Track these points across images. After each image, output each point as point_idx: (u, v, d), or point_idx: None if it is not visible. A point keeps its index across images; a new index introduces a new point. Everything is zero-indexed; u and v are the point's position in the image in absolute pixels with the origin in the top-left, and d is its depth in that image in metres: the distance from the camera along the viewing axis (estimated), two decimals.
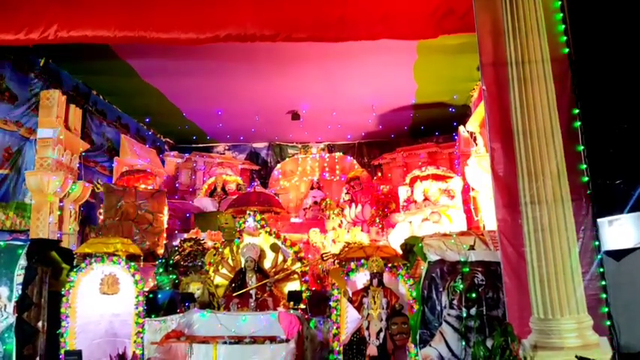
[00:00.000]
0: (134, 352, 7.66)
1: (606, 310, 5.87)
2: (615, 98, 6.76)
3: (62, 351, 7.56)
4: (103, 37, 8.06)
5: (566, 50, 6.38)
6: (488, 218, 9.84)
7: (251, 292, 8.38)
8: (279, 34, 7.72)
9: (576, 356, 4.98)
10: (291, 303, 8.07)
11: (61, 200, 10.23)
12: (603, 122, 7.03)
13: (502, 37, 6.46)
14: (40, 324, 7.59)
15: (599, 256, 6.01)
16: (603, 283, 5.92)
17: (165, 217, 11.86)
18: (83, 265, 8.13)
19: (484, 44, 6.60)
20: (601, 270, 5.96)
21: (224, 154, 16.70)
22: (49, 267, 7.93)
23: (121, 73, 11.32)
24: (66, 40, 7.90)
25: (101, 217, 11.58)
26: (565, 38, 6.41)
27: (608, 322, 5.83)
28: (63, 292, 7.91)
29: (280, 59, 10.65)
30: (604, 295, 5.88)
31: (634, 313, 6.37)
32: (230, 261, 9.13)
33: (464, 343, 6.65)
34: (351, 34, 7.78)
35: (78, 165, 11.02)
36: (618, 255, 7.56)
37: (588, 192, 6.14)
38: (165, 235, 11.82)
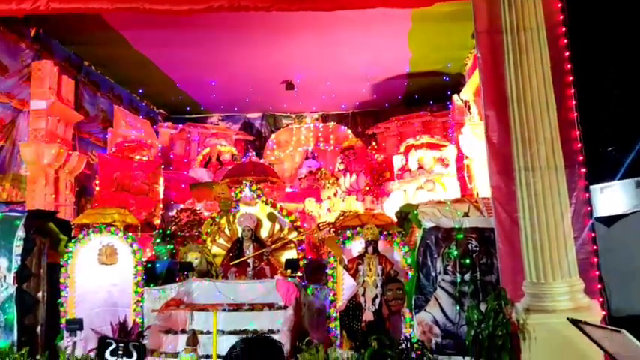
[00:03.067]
0: (134, 319, 7.78)
1: (597, 273, 6.00)
2: (609, 65, 6.79)
3: (63, 320, 7.65)
4: (95, 9, 7.98)
5: (561, 17, 6.38)
6: (482, 186, 9.95)
7: (248, 260, 8.49)
8: (274, 5, 7.64)
9: (568, 318, 5.10)
10: (289, 271, 8.20)
11: (56, 172, 10.24)
12: (597, 89, 7.07)
13: (497, 4, 6.44)
14: (40, 294, 7.66)
15: (590, 222, 6.11)
16: (594, 247, 6.04)
17: (161, 188, 11.90)
18: (81, 235, 8.17)
19: (479, 11, 6.59)
20: (592, 235, 6.07)
21: (218, 124, 16.63)
22: (47, 238, 7.97)
23: (113, 44, 11.19)
24: (58, 10, 7.79)
25: (97, 188, 11.61)
26: (560, 5, 6.40)
27: (599, 285, 5.97)
28: (62, 263, 7.98)
29: (274, 28, 10.56)
30: (595, 259, 6.01)
31: (623, 277, 6.53)
32: (227, 231, 9.23)
33: (458, 307, 6.81)
34: (346, 3, 7.71)
35: (72, 136, 10.99)
36: (609, 221, 7.70)
37: (581, 159, 6.21)
38: (161, 205, 11.88)
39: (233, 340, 6.86)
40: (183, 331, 7.23)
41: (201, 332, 6.98)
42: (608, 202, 9.88)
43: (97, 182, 11.63)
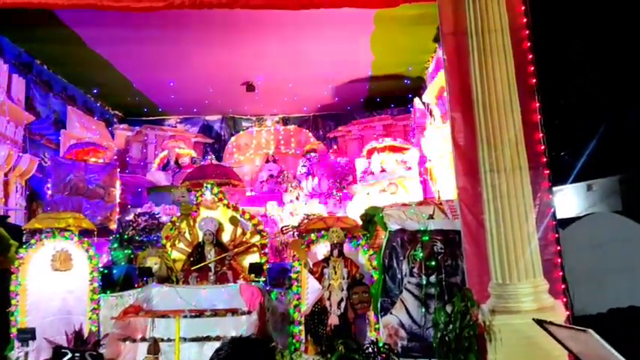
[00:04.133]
0: (90, 328, 7.47)
1: (561, 274, 6.07)
2: (571, 67, 6.93)
3: (14, 329, 7.30)
4: (49, 4, 7.67)
5: (525, 20, 6.46)
6: (444, 188, 10.01)
7: (210, 265, 8.29)
8: (237, 2, 7.49)
9: (533, 319, 5.13)
10: (252, 275, 8.03)
11: (6, 174, 9.79)
12: (553, 94, 7.20)
13: (462, 6, 6.47)
14: None
15: (554, 223, 6.18)
16: (558, 248, 6.11)
17: (117, 192, 11.54)
18: (33, 241, 7.83)
19: (445, 13, 6.61)
20: (556, 236, 6.14)
21: (176, 127, 16.29)
22: None
23: (66, 42, 10.78)
24: (9, 5, 7.44)
25: (49, 191, 11.16)
26: (523, 8, 6.48)
27: (563, 286, 6.04)
28: (12, 270, 7.60)
29: (235, 29, 10.39)
30: (559, 260, 6.08)
31: (576, 279, 6.63)
32: (187, 235, 8.98)
33: (424, 309, 6.78)
34: (310, 2, 7.61)
35: (23, 137, 10.53)
36: (562, 224, 7.85)
37: (544, 160, 6.28)
38: (117, 209, 11.52)
39: (195, 347, 6.72)
40: (143, 339, 6.96)
41: (162, 340, 6.74)
42: (560, 204, 10.11)
43: (49, 186, 11.18)
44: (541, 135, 6.29)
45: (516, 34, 6.38)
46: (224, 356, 2.20)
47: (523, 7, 6.46)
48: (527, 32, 6.42)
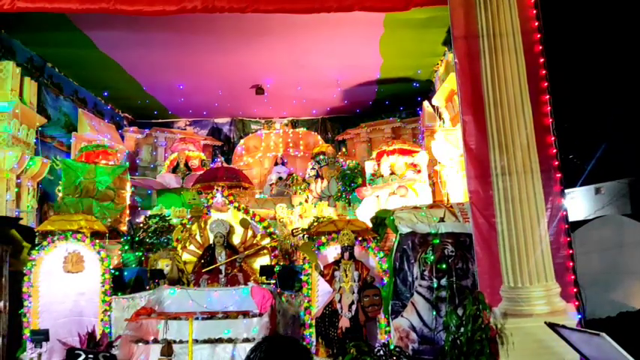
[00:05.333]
0: (102, 330, 7.51)
1: (573, 277, 6.07)
2: (583, 71, 6.91)
3: (26, 331, 7.34)
4: (63, 8, 7.73)
5: (536, 24, 6.47)
6: (454, 191, 10.00)
7: (221, 267, 8.32)
8: (249, 6, 7.52)
9: (545, 322, 5.12)
10: (263, 277, 8.05)
11: (18, 177, 9.86)
12: (568, 95, 7.19)
13: (474, 10, 6.50)
14: (1, 304, 7.33)
15: (566, 226, 6.17)
16: (570, 251, 6.10)
17: (127, 194, 11.58)
18: (45, 243, 7.87)
19: (456, 17, 6.63)
20: (568, 239, 6.13)
21: (185, 129, 16.37)
22: (9, 245, 7.64)
23: (78, 45, 10.87)
24: (23, 9, 7.51)
25: (60, 194, 11.21)
26: (535, 12, 6.49)
27: (575, 289, 6.03)
28: (24, 272, 7.65)
29: (245, 32, 10.42)
30: (571, 264, 6.07)
31: (586, 282, 6.62)
32: (198, 237, 9.02)
33: (435, 312, 6.79)
34: (321, 6, 7.64)
35: (35, 140, 10.60)
36: (572, 227, 7.83)
37: (556, 163, 6.28)
38: (128, 211, 11.56)
39: (208, 349, 6.74)
40: (155, 340, 7.00)
41: (174, 342, 6.76)
42: (569, 207, 10.06)
43: (60, 188, 11.23)
44: (553, 138, 6.28)
45: (528, 38, 6.40)
46: (265, 349, 2.20)
47: (534, 11, 6.47)
48: (538, 36, 6.44)
